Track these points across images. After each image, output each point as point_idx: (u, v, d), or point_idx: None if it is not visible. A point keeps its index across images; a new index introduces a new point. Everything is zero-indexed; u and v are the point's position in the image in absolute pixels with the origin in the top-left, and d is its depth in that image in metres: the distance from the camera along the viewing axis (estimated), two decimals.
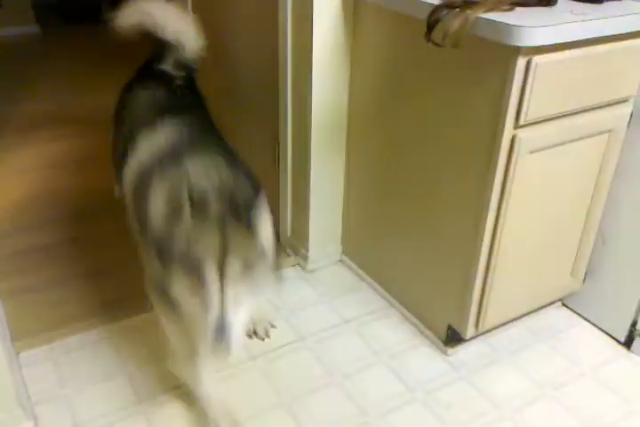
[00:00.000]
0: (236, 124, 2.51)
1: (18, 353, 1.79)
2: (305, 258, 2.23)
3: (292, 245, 2.30)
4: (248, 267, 1.20)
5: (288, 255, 2.30)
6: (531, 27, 1.33)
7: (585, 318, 2.01)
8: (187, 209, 1.20)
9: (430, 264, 1.84)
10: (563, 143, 1.58)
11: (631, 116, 1.69)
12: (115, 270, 2.19)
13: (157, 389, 1.71)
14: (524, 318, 1.97)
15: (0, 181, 2.78)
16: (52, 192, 2.71)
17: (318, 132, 1.99)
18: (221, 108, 2.60)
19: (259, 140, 2.33)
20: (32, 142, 3.16)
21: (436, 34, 1.45)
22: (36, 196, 2.68)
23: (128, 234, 2.34)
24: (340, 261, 2.28)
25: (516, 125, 1.47)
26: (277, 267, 1.39)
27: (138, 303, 1.84)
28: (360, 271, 2.20)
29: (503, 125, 1.46)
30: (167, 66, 1.90)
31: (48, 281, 2.14)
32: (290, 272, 2.22)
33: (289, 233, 2.30)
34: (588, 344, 1.92)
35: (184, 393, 1.67)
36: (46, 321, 1.95)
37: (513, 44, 1.35)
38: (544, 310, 2.02)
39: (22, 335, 1.85)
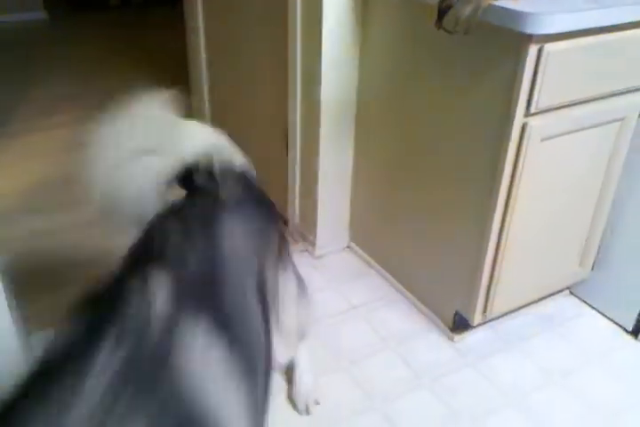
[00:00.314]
0: (245, 109, 2.51)
1: (30, 334, 1.81)
2: (313, 244, 2.24)
3: (300, 231, 2.31)
4: None
5: (296, 241, 2.31)
6: (543, 14, 1.32)
7: (593, 307, 2.01)
8: None
9: (439, 251, 1.84)
10: (574, 131, 1.58)
11: None
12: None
13: None
14: (531, 306, 1.98)
15: (10, 166, 2.80)
16: (61, 177, 2.72)
17: (327, 119, 1.99)
18: (229, 92, 2.60)
19: (268, 127, 2.33)
20: (41, 127, 3.17)
21: (448, 20, 1.44)
22: (46, 180, 2.69)
23: None
24: (348, 247, 2.29)
25: (527, 113, 1.47)
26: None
27: None
28: (368, 258, 2.21)
29: (514, 113, 1.45)
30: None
31: (60, 264, 2.16)
32: (298, 258, 2.23)
33: (297, 219, 2.31)
34: (596, 333, 1.93)
35: None
36: (56, 303, 1.96)
37: (525, 31, 1.34)
38: (552, 299, 2.02)
39: (34, 317, 1.86)
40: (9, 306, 1.51)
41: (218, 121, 2.79)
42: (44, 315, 1.89)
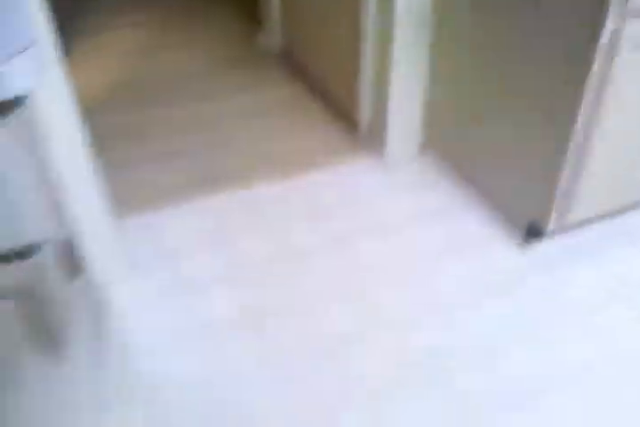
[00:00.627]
0: (316, 6, 2.43)
1: (119, 220, 1.91)
2: (384, 151, 2.21)
3: (371, 137, 2.28)
4: None
5: (366, 148, 2.29)
6: None
7: None
8: None
9: (518, 154, 1.79)
10: None
11: None
12: (188, 153, 2.28)
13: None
14: (609, 219, 1.92)
15: (84, 64, 2.83)
16: (130, 76, 2.75)
17: (403, 9, 1.89)
18: None
19: (340, 25, 2.25)
20: (113, 27, 3.16)
21: None
22: (117, 78, 2.73)
23: (200, 118, 2.37)
24: (421, 154, 2.25)
25: (621, 16, 1.36)
26: None
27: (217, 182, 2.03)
28: (441, 164, 2.17)
29: (606, 16, 1.35)
30: None
31: (135, 158, 2.25)
32: (369, 166, 2.23)
33: (368, 124, 2.28)
34: None
35: None
36: (139, 193, 2.08)
37: None
38: (632, 213, 1.96)
39: (119, 205, 1.96)
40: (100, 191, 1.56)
41: (288, 20, 2.72)
42: (130, 203, 2.01)
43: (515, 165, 1.81)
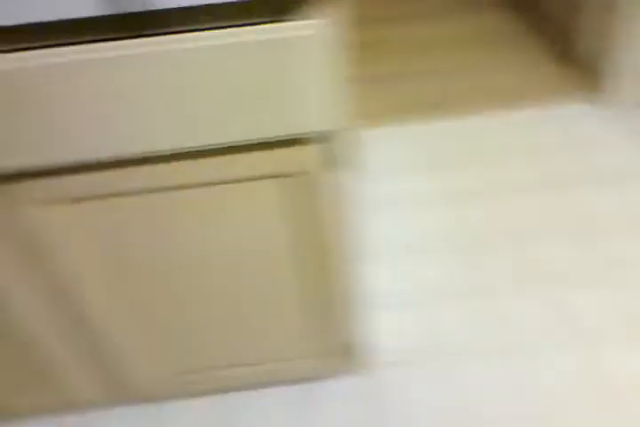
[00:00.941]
0: None
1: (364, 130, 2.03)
2: (607, 93, 2.05)
3: (592, 73, 2.11)
4: None
5: (589, 88, 2.13)
6: None
7: None
8: None
9: None
10: None
11: None
12: (406, 77, 2.31)
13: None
14: None
15: None
16: None
17: None
18: None
19: None
20: None
21: None
22: None
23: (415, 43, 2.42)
24: None
25: None
26: None
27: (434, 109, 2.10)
28: None
29: None
30: None
31: (386, 74, 2.33)
32: (592, 107, 2.07)
33: (591, 60, 2.10)
34: None
35: None
36: (383, 107, 2.15)
37: None
38: None
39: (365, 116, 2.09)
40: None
41: None
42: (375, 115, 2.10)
43: None
